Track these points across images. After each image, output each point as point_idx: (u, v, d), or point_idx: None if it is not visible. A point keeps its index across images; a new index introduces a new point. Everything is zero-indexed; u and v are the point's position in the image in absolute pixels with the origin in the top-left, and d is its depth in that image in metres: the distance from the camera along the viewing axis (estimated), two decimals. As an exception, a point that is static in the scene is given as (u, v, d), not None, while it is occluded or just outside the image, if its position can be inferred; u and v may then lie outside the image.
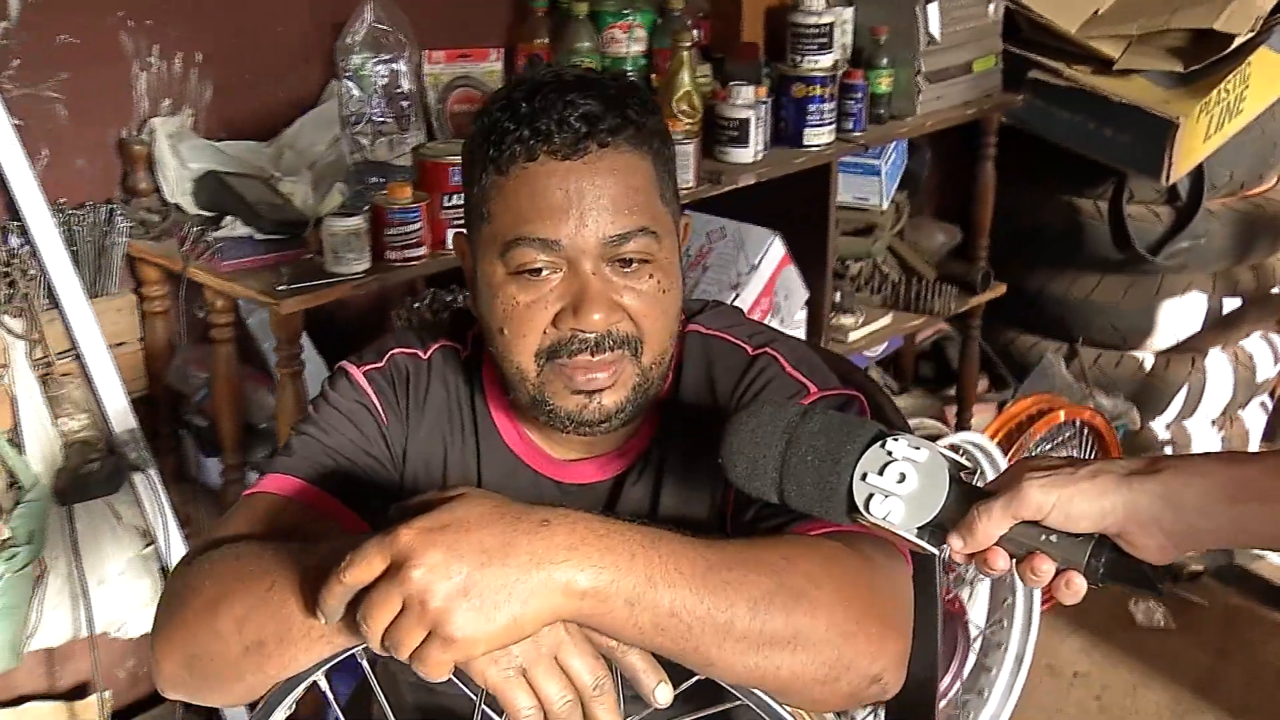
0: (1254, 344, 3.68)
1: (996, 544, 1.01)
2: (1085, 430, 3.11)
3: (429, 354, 1.35)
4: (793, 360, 1.30)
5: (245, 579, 1.06)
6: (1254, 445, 3.70)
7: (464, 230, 1.30)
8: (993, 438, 2.83)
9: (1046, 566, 1.00)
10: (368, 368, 1.32)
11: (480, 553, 0.92)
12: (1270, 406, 3.78)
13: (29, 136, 2.14)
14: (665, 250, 1.22)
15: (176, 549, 2.13)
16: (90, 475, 2.07)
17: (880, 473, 1.01)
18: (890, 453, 1.02)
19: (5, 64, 2.12)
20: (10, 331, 2.07)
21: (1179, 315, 3.50)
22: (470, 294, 1.30)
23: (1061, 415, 2.99)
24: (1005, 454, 2.76)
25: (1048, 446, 3.02)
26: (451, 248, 2.04)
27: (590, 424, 1.22)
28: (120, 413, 2.14)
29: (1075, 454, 3.10)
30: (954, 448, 2.62)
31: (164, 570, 2.12)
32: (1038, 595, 2.64)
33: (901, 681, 1.08)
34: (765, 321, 2.69)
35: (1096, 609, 3.03)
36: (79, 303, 2.11)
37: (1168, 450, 3.61)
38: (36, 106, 2.17)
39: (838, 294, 2.93)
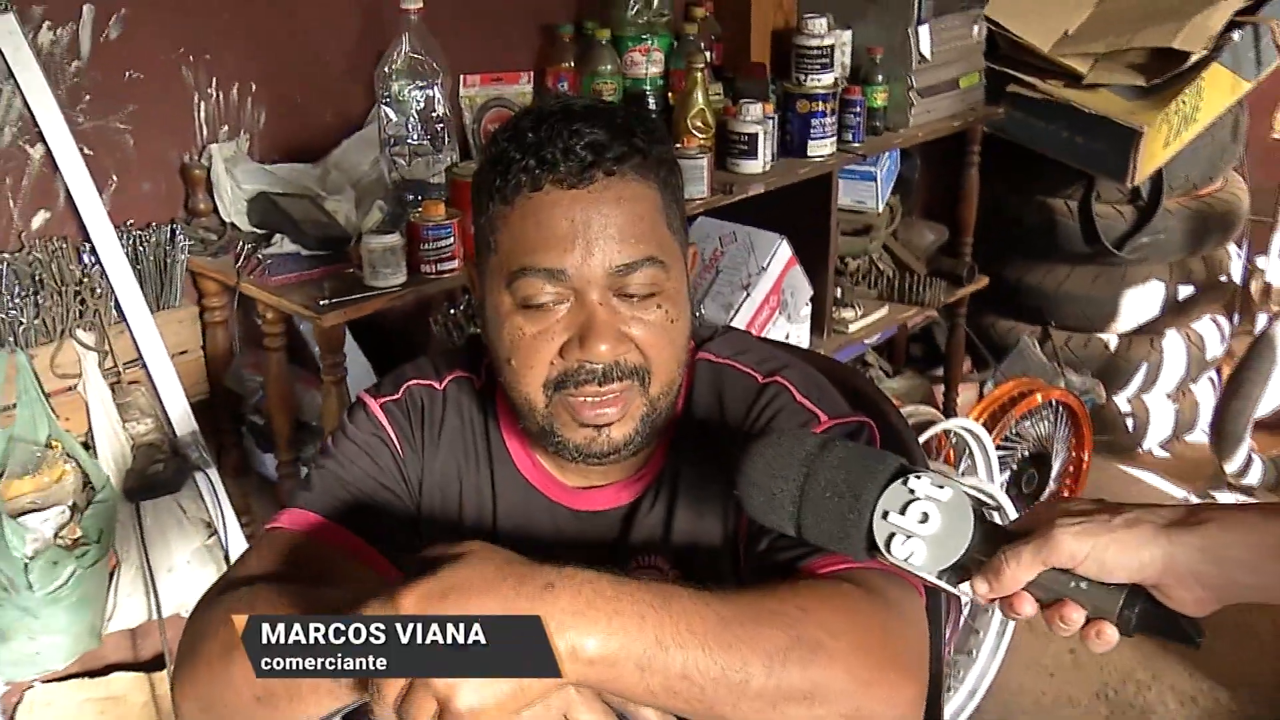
0: (1204, 326, 3.52)
1: (1023, 589, 0.81)
2: (1060, 408, 2.92)
3: (444, 385, 1.14)
4: (802, 388, 1.07)
5: None
6: (1204, 414, 3.48)
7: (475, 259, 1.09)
8: (977, 420, 2.63)
9: (1076, 615, 0.82)
10: (384, 400, 1.12)
11: None
12: (1218, 381, 3.59)
13: (99, 164, 1.97)
14: (673, 279, 1.00)
15: (236, 540, 1.95)
16: (156, 475, 1.88)
17: (902, 511, 0.83)
18: (913, 490, 0.83)
19: (78, 99, 1.94)
20: (83, 344, 1.89)
21: (1140, 301, 3.34)
22: (480, 323, 1.09)
23: (1039, 397, 2.80)
24: (990, 433, 2.56)
25: (1027, 424, 2.83)
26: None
27: (599, 456, 1.01)
28: (182, 417, 1.94)
29: (1051, 428, 2.91)
30: (946, 433, 2.42)
31: (226, 557, 1.94)
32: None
33: None
34: (773, 319, 2.50)
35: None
36: (143, 316, 1.93)
37: (1129, 421, 3.42)
38: (106, 137, 1.99)
39: (838, 290, 2.73)
